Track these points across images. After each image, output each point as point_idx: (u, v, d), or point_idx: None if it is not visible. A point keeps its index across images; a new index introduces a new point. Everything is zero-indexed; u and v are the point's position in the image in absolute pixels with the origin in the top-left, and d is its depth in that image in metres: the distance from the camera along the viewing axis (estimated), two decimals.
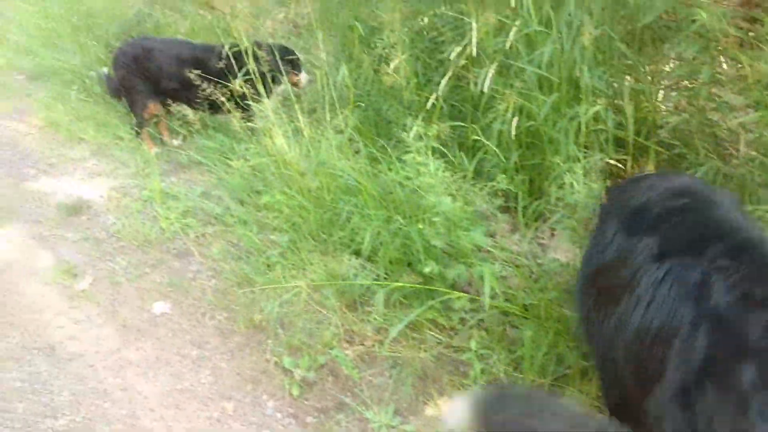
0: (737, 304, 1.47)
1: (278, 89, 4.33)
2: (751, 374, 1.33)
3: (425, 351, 2.82)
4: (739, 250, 1.63)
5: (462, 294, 2.83)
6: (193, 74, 3.81)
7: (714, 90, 3.06)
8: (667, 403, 1.47)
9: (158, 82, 4.94)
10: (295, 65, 4.71)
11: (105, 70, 5.44)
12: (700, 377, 1.42)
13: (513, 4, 3.13)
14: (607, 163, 3.17)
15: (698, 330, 1.46)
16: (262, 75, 3.74)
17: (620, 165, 3.23)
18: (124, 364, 3.07)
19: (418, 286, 2.80)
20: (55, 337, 3.30)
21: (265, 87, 3.73)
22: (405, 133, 3.12)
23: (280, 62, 4.03)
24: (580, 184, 2.89)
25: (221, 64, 4.07)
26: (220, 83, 3.78)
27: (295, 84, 4.69)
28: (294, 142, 3.61)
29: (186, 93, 4.57)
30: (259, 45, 3.84)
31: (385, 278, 3.03)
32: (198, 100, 4.17)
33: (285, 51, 4.63)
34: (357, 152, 3.68)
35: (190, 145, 5.07)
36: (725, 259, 1.57)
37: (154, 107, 5.03)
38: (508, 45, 3.19)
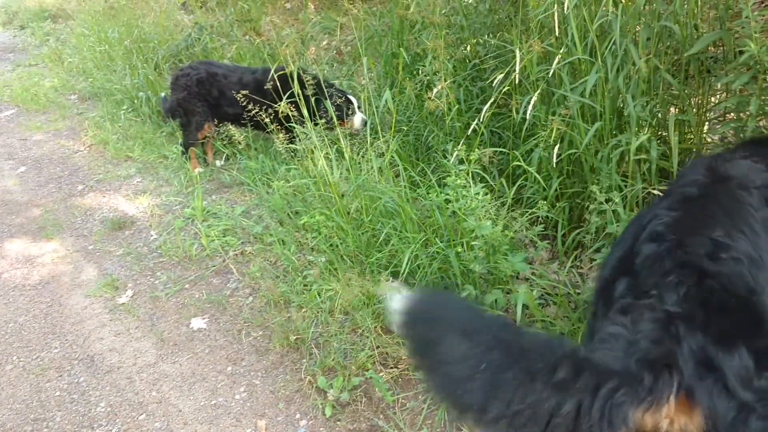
0: None
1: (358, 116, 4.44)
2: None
3: None
4: None
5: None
6: (251, 98, 3.88)
7: (762, 122, 3.01)
8: None
9: (218, 107, 5.04)
10: (349, 110, 4.63)
11: (163, 94, 5.63)
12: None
13: (557, 32, 3.14)
14: (650, 193, 3.13)
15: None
16: (306, 99, 3.79)
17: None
18: (160, 378, 3.11)
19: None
20: (96, 348, 3.37)
21: (311, 111, 3.79)
22: (446, 158, 3.13)
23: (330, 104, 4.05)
24: (620, 214, 2.86)
25: (278, 86, 4.13)
26: (272, 107, 3.84)
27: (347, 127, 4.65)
28: (335, 164, 3.66)
29: (243, 117, 4.60)
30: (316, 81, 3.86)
31: None
32: (251, 123, 4.23)
33: (345, 99, 4.56)
34: (397, 176, 3.70)
35: (233, 165, 5.18)
36: None
37: (208, 129, 5.14)
38: (551, 73, 3.20)
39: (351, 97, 4.70)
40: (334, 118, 3.96)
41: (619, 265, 1.81)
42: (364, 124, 4.60)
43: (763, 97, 2.88)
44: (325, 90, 4.32)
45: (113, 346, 3.36)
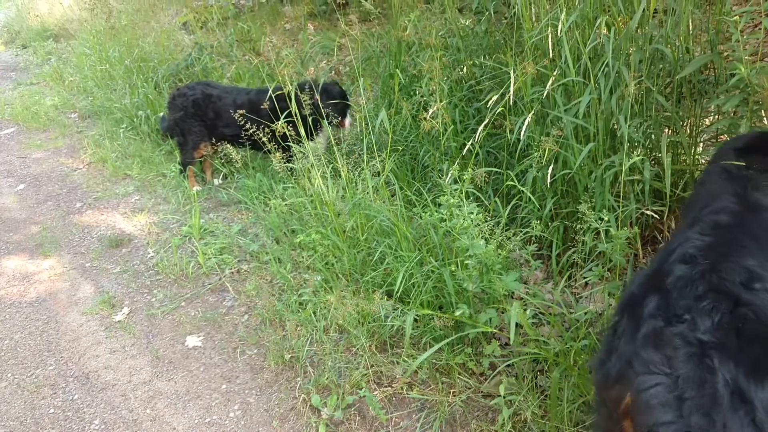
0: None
1: (321, 135, 4.48)
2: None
3: (454, 395, 2.79)
4: None
5: (490, 330, 2.81)
6: (246, 117, 3.94)
7: None
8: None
9: (214, 127, 5.09)
10: (340, 111, 4.73)
11: (162, 114, 5.70)
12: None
13: (551, 54, 3.19)
14: (643, 213, 3.16)
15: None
16: (303, 118, 3.83)
17: (657, 216, 3.20)
18: (155, 395, 3.11)
19: (447, 316, 2.79)
20: (91, 365, 3.37)
21: (308, 130, 3.84)
22: (441, 178, 3.16)
23: (321, 105, 4.12)
24: (613, 234, 2.88)
25: (276, 105, 4.19)
26: (268, 126, 3.89)
27: (338, 125, 4.82)
28: (332, 183, 3.69)
29: (240, 137, 4.66)
30: (302, 87, 3.93)
31: (415, 321, 3.03)
32: (247, 142, 4.30)
33: (331, 93, 4.69)
34: (393, 195, 3.73)
35: (231, 184, 5.21)
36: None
37: (204, 148, 5.19)
38: (545, 94, 3.24)
39: (344, 93, 4.82)
40: (327, 130, 4.06)
41: (648, 282, 1.80)
42: (352, 125, 4.91)
43: (753, 119, 2.92)
44: (321, 96, 4.37)
45: (108, 364, 3.37)
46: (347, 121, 4.85)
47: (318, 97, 4.01)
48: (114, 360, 3.39)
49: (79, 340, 3.58)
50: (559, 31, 3.12)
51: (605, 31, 3.17)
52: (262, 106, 4.53)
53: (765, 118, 3.03)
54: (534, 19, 3.55)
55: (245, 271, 3.99)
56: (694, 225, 1.98)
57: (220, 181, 5.38)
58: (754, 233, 1.87)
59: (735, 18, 2.76)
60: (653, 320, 1.58)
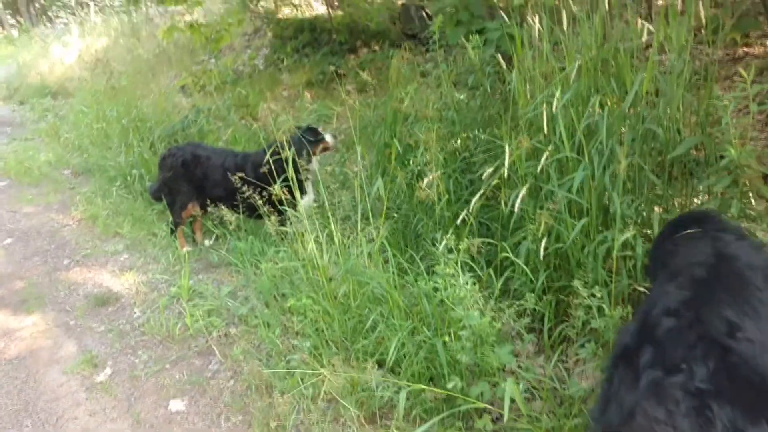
0: None
1: (311, 168, 4.66)
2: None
3: None
4: None
5: (484, 405, 2.75)
6: (235, 179, 4.00)
7: (744, 225, 3.09)
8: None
9: (203, 188, 5.13)
10: (318, 136, 4.92)
11: (149, 183, 5.88)
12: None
13: (546, 130, 3.26)
14: (635, 289, 3.17)
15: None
16: (298, 179, 3.87)
17: (648, 293, 3.21)
18: None
19: (439, 390, 2.74)
20: (69, 428, 3.26)
21: (300, 187, 3.89)
22: (435, 246, 3.17)
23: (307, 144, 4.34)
24: (606, 310, 2.89)
25: (263, 169, 4.26)
26: (260, 187, 3.93)
27: (326, 149, 4.99)
28: (325, 247, 3.68)
29: (228, 198, 4.74)
30: (288, 144, 3.99)
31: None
32: (236, 204, 4.35)
33: (309, 131, 4.90)
34: (386, 261, 3.72)
35: (222, 245, 5.19)
36: None
37: (192, 208, 5.20)
38: (539, 169, 3.30)
39: (312, 127, 4.99)
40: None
41: (639, 334, 1.89)
42: (335, 139, 5.07)
43: (744, 200, 2.98)
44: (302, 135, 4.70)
45: (87, 426, 3.26)
46: (329, 139, 4.95)
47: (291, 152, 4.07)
48: (93, 423, 3.29)
49: (58, 401, 3.47)
50: (553, 108, 3.20)
51: (599, 109, 3.27)
52: (252, 170, 4.62)
53: (753, 200, 3.10)
54: (529, 95, 3.65)
55: (233, 334, 3.93)
56: (673, 278, 2.13)
57: (211, 242, 5.36)
58: (730, 284, 2.01)
59: (725, 103, 2.85)
60: (652, 370, 1.68)
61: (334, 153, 5.54)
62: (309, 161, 4.60)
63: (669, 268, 2.31)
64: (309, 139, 4.78)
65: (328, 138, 4.95)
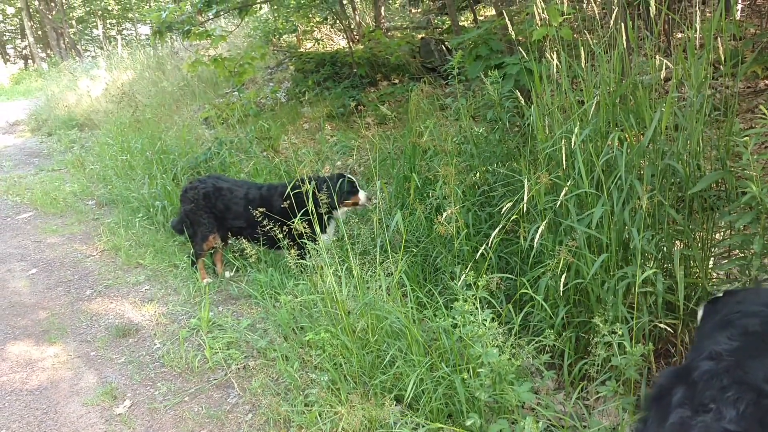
0: None
1: (334, 218, 4.65)
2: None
3: None
4: None
5: None
6: (257, 213, 4.06)
7: (767, 260, 3.05)
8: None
9: (224, 219, 5.20)
10: (352, 188, 4.88)
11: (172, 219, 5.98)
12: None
13: (565, 165, 3.27)
14: (656, 326, 3.13)
15: None
16: (320, 216, 3.91)
17: (670, 329, 3.17)
18: None
19: (458, 430, 2.71)
20: None
21: (321, 224, 3.91)
22: (454, 281, 3.17)
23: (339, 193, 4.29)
24: (627, 347, 2.85)
25: (285, 204, 4.32)
26: (281, 221, 3.97)
27: (355, 205, 4.92)
28: (344, 281, 3.69)
29: (249, 230, 4.83)
30: (311, 180, 4.04)
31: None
32: (257, 237, 4.41)
33: (346, 182, 4.86)
34: (405, 296, 3.72)
35: (242, 277, 5.22)
36: None
37: (213, 240, 5.25)
38: (558, 204, 3.30)
39: (350, 179, 4.92)
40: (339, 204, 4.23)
41: (676, 375, 1.89)
42: (369, 198, 4.95)
43: (766, 237, 2.95)
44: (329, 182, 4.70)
45: None
46: (362, 197, 4.89)
47: (317, 190, 4.14)
48: None
49: None
50: (572, 144, 3.21)
51: (618, 144, 3.27)
52: (276, 203, 4.68)
53: None
54: (548, 130, 3.67)
55: (252, 367, 3.93)
56: (724, 329, 2.07)
57: (231, 274, 5.40)
58: None
59: (746, 138, 2.84)
60: (681, 409, 1.68)
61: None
62: (334, 207, 4.65)
63: (720, 317, 2.27)
64: (343, 189, 4.80)
65: (361, 195, 4.91)
